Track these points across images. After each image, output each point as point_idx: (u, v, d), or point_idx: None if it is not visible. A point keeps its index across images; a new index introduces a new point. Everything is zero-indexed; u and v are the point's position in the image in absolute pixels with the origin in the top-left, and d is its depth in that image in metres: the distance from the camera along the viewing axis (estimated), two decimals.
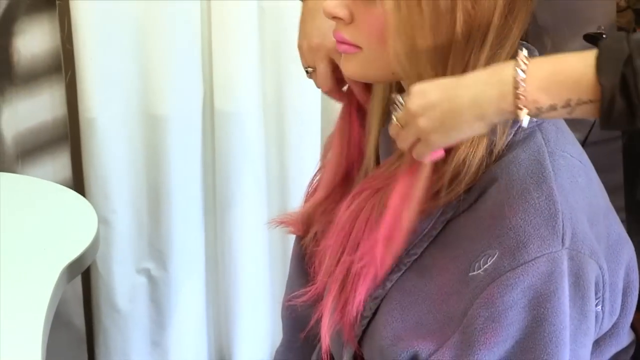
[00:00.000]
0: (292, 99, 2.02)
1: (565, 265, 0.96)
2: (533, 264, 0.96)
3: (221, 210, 2.18)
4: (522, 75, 0.93)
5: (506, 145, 1.02)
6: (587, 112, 0.95)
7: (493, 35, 1.01)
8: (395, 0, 1.00)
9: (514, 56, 0.99)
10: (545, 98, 0.94)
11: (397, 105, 1.00)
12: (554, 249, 0.97)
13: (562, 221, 0.98)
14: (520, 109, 0.93)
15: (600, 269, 1.01)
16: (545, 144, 1.02)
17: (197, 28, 2.03)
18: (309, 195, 1.28)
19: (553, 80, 0.95)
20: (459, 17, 1.00)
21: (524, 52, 0.95)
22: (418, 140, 0.98)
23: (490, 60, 1.02)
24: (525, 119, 0.93)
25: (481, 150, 1.01)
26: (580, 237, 0.99)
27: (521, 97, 0.93)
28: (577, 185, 1.03)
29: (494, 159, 1.03)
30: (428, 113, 0.96)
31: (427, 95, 0.97)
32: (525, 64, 0.93)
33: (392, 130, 1.01)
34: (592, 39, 1.22)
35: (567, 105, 0.94)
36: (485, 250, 0.99)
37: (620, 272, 1.05)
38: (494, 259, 0.98)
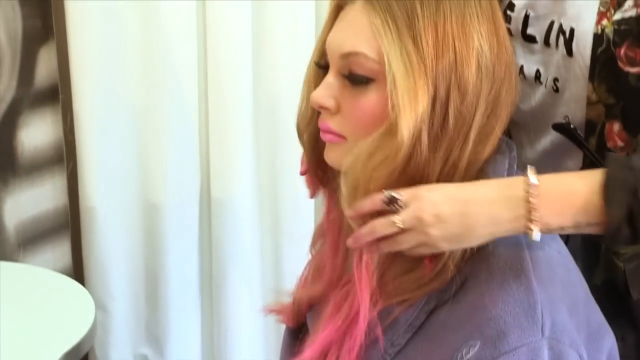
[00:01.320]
0: (286, 188, 2.01)
1: (545, 355, 0.95)
2: (514, 354, 0.94)
3: (217, 296, 2.16)
4: (534, 200, 0.95)
5: None
6: (594, 231, 0.98)
7: (475, 132, 1.02)
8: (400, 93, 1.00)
9: (496, 151, 1.04)
10: (556, 220, 0.97)
11: (397, 204, 0.99)
12: (534, 339, 0.95)
13: (542, 311, 0.97)
14: (532, 228, 0.96)
15: (581, 357, 0.98)
16: (524, 236, 1.01)
17: (195, 118, 2.05)
18: (301, 285, 1.26)
19: (563, 204, 0.98)
20: (451, 111, 1.00)
21: (532, 170, 0.97)
22: (422, 244, 0.98)
23: (473, 155, 1.02)
24: (537, 236, 0.96)
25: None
26: (559, 327, 0.97)
27: (535, 220, 0.96)
28: (556, 276, 1.03)
29: (475, 251, 1.02)
30: (441, 225, 0.97)
31: (439, 207, 0.97)
32: (535, 185, 0.96)
33: (386, 228, 1.00)
34: (560, 128, 1.24)
35: (576, 226, 0.98)
36: (468, 340, 0.97)
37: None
38: (475, 349, 0.96)
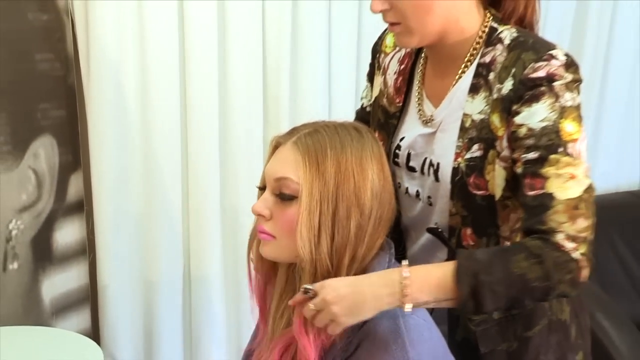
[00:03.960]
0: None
1: None
2: None
3: (196, 347, 2.22)
4: (407, 282, 1.03)
5: None
6: (449, 305, 1.06)
7: (368, 237, 1.09)
8: (308, 209, 1.06)
9: (381, 248, 1.11)
10: (422, 296, 1.05)
11: (310, 293, 1.04)
12: None
13: None
14: (405, 303, 1.04)
15: None
16: (400, 309, 1.06)
17: (179, 226, 2.15)
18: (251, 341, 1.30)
19: (427, 284, 1.05)
20: (353, 223, 1.07)
21: (406, 262, 1.05)
22: (331, 321, 1.03)
23: (367, 252, 1.10)
24: (408, 308, 1.04)
25: None
26: None
27: (407, 296, 1.03)
28: (422, 338, 1.08)
29: (366, 321, 1.07)
30: (340, 303, 1.02)
31: (339, 290, 1.03)
32: (407, 274, 1.03)
33: (308, 313, 1.04)
34: (432, 231, 1.29)
35: (436, 301, 1.06)
36: None
37: None
38: None
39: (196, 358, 2.24)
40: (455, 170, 1.22)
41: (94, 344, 1.83)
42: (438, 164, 1.26)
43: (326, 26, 2.18)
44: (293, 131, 1.11)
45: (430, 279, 1.06)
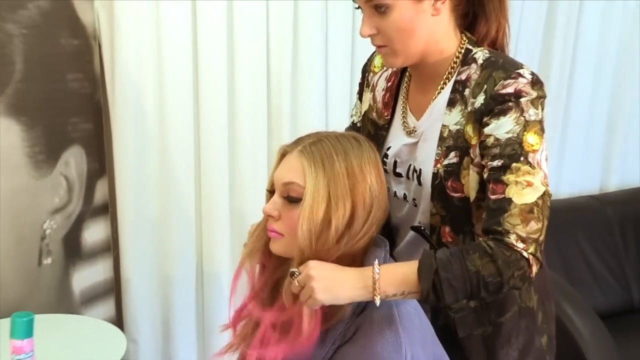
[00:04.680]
0: None
1: None
2: None
3: (208, 334, 2.19)
4: (377, 277, 1.04)
5: (366, 303, 1.09)
6: (414, 297, 1.08)
7: (363, 234, 1.09)
8: (310, 206, 1.04)
9: (374, 244, 1.11)
10: (390, 290, 1.05)
11: (296, 274, 1.05)
12: None
13: (405, 348, 1.03)
14: (376, 296, 1.05)
15: None
16: (394, 300, 1.07)
17: (193, 226, 2.12)
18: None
19: (394, 279, 1.06)
20: (353, 223, 1.06)
21: (377, 262, 1.05)
22: (309, 297, 1.03)
23: (361, 246, 1.09)
24: (377, 301, 1.05)
25: (350, 308, 1.08)
26: (416, 358, 1.04)
27: (376, 289, 1.04)
28: (413, 325, 1.08)
29: (362, 309, 1.08)
30: (319, 281, 1.03)
31: (321, 271, 1.04)
32: (378, 271, 1.04)
33: (295, 289, 1.05)
34: (416, 229, 1.30)
35: (402, 294, 1.07)
36: None
37: None
38: None
39: (208, 343, 2.24)
40: (435, 175, 1.23)
41: (118, 330, 1.86)
42: (420, 170, 1.27)
43: (323, 50, 2.21)
44: (298, 141, 1.11)
45: (397, 275, 1.07)
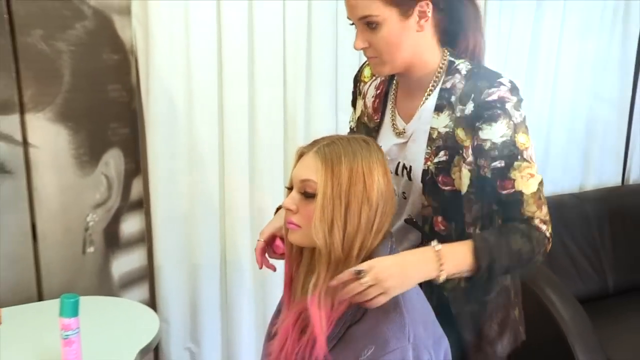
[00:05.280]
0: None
1: (410, 353, 1.02)
2: (393, 353, 1.01)
3: (231, 315, 2.18)
4: (442, 258, 1.09)
5: None
6: (468, 275, 1.13)
7: (376, 228, 1.08)
8: (321, 205, 1.05)
9: (384, 236, 1.10)
10: (453, 270, 1.12)
11: (362, 273, 1.04)
12: (404, 344, 1.02)
13: (408, 328, 1.04)
14: (440, 275, 1.10)
15: (430, 355, 1.06)
16: None
17: (217, 218, 2.10)
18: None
19: (455, 260, 1.11)
20: (364, 216, 1.07)
21: (435, 242, 1.09)
22: (381, 294, 1.03)
23: (373, 239, 1.08)
24: (443, 278, 1.09)
25: None
26: (418, 337, 1.05)
27: (442, 270, 1.09)
28: (415, 307, 1.09)
29: None
30: (392, 279, 1.03)
31: (390, 269, 1.04)
32: (439, 249, 1.09)
33: (358, 288, 1.03)
34: (409, 222, 1.31)
35: (460, 272, 1.12)
36: (367, 345, 1.03)
37: (441, 355, 1.12)
38: (372, 350, 1.02)
39: (230, 323, 2.26)
40: (425, 172, 1.25)
41: (152, 311, 1.88)
42: (410, 167, 1.29)
43: (333, 65, 2.24)
44: (314, 143, 1.13)
45: (457, 256, 1.11)
